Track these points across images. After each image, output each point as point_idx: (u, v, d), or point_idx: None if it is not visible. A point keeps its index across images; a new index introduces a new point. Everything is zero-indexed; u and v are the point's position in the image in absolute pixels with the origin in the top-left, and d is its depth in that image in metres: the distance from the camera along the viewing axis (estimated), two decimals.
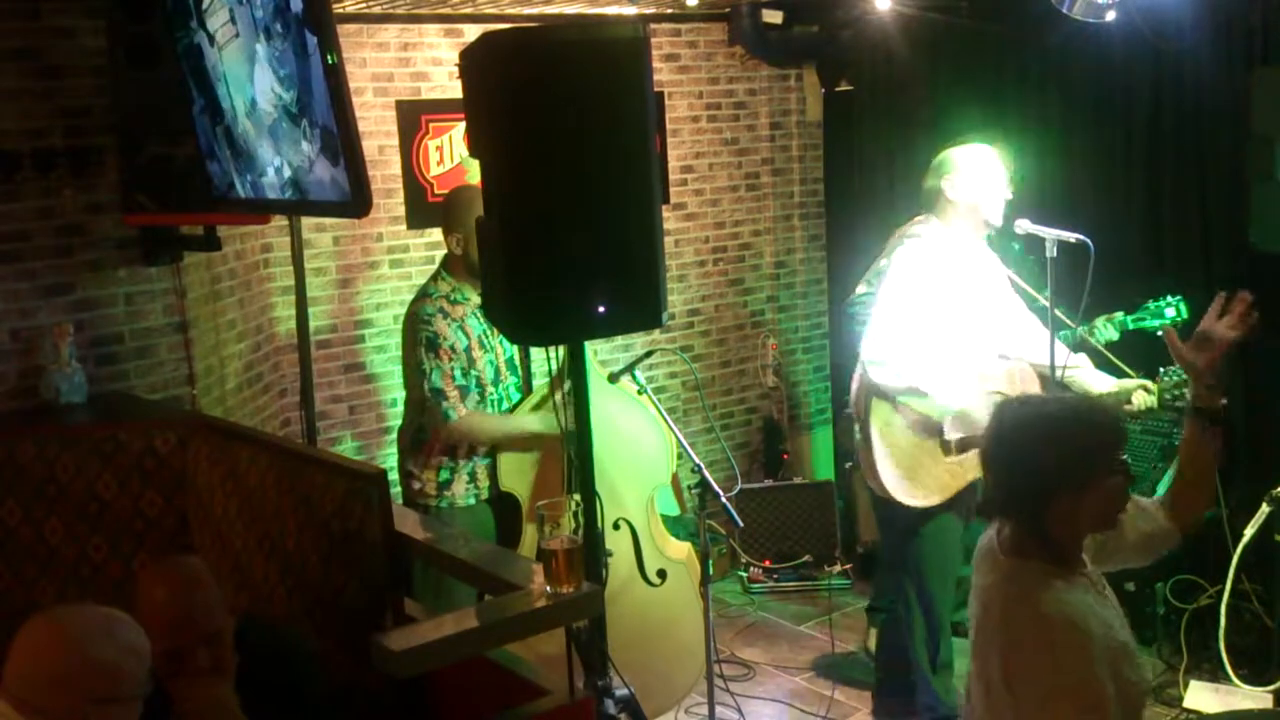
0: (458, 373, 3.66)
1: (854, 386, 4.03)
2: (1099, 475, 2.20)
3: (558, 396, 3.35)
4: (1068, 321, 3.89)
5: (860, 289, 4.60)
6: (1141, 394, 3.85)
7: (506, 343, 3.82)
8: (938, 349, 3.74)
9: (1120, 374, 3.98)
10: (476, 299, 3.70)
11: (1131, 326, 4.06)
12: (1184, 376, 3.85)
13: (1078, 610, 2.17)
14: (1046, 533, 2.22)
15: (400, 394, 4.16)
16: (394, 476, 3.51)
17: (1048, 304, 3.81)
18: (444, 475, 3.75)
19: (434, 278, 3.82)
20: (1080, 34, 4.41)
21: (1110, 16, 3.93)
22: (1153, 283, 4.76)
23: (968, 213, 3.83)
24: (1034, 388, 3.90)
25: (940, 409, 3.76)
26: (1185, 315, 4.08)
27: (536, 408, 3.77)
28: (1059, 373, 3.90)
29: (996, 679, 2.20)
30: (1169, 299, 4.08)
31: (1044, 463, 2.20)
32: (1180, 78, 4.57)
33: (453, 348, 3.65)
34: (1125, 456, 2.26)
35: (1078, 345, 3.98)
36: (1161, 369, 3.91)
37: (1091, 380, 3.94)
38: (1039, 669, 2.13)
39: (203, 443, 3.24)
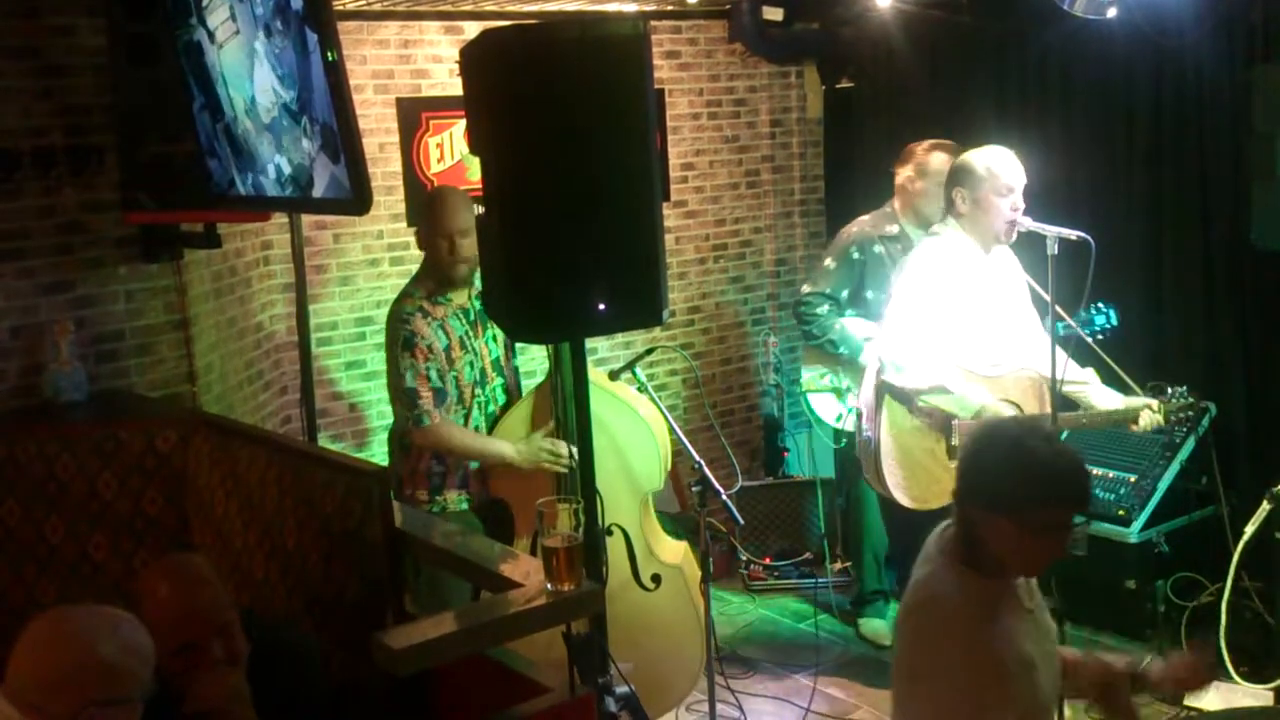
0: (433, 374, 3.62)
1: (863, 388, 4.03)
2: (1017, 512, 2.17)
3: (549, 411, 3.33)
4: (1068, 319, 3.87)
5: (806, 289, 4.60)
6: (1148, 414, 3.80)
7: (492, 344, 3.81)
8: (954, 349, 3.76)
9: (1128, 391, 3.96)
10: (459, 300, 3.70)
11: (1061, 334, 4.00)
12: (1190, 399, 3.84)
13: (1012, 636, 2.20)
14: (971, 538, 2.25)
15: None
16: None
17: (1049, 301, 3.80)
18: (434, 480, 3.73)
19: (416, 278, 3.80)
20: (1081, 31, 4.42)
21: (1111, 13, 3.93)
22: (1152, 281, 4.77)
23: (982, 225, 3.81)
24: (1043, 402, 3.87)
25: (964, 405, 3.77)
26: (1114, 323, 4.04)
27: (521, 428, 3.72)
28: (1065, 388, 3.84)
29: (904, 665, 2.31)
30: (1100, 305, 4.02)
31: (976, 465, 2.26)
32: (1181, 75, 4.57)
33: (430, 347, 3.62)
34: (1065, 533, 2.22)
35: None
36: (1169, 388, 3.89)
37: (1098, 397, 3.91)
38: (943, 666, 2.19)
39: (203, 441, 3.23)
